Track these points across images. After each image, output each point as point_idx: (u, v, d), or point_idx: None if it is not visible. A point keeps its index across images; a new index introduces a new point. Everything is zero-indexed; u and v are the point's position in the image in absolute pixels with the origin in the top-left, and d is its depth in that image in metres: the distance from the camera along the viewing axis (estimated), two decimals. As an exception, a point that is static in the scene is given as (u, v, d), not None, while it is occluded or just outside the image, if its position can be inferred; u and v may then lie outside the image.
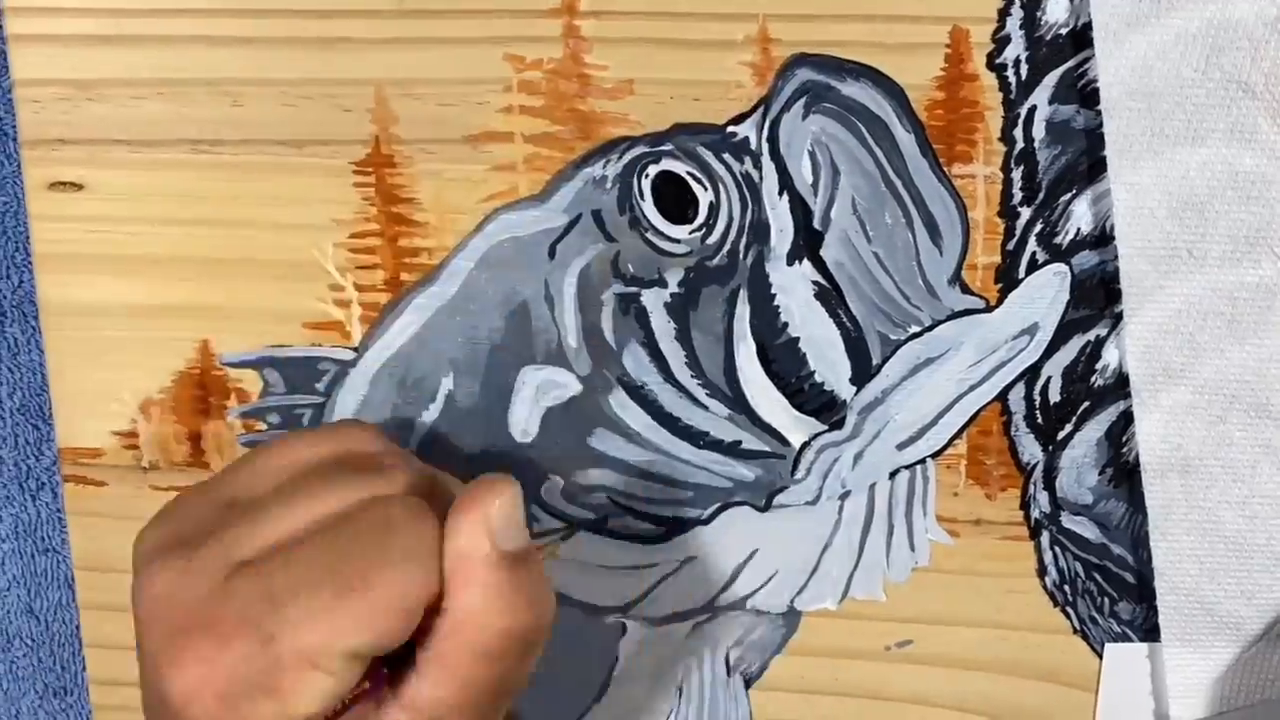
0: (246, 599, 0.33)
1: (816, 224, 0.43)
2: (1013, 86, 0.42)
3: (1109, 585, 0.46)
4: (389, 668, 0.35)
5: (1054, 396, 0.45)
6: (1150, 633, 0.46)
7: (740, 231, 0.43)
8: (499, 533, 0.34)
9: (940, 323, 0.44)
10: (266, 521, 0.35)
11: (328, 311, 0.44)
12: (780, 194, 0.43)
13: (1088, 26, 0.42)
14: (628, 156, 0.43)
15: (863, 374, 0.44)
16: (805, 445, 0.45)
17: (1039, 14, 0.42)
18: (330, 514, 0.35)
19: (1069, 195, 0.43)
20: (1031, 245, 0.44)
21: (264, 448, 0.38)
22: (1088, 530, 0.45)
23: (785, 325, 0.44)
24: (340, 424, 0.40)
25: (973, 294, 0.44)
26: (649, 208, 0.43)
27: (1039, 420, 0.45)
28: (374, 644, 0.33)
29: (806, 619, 0.46)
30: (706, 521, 0.45)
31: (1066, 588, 0.46)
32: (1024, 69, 0.42)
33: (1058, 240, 0.43)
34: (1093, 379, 0.44)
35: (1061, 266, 0.44)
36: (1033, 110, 0.43)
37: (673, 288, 0.44)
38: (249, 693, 0.33)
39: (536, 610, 0.35)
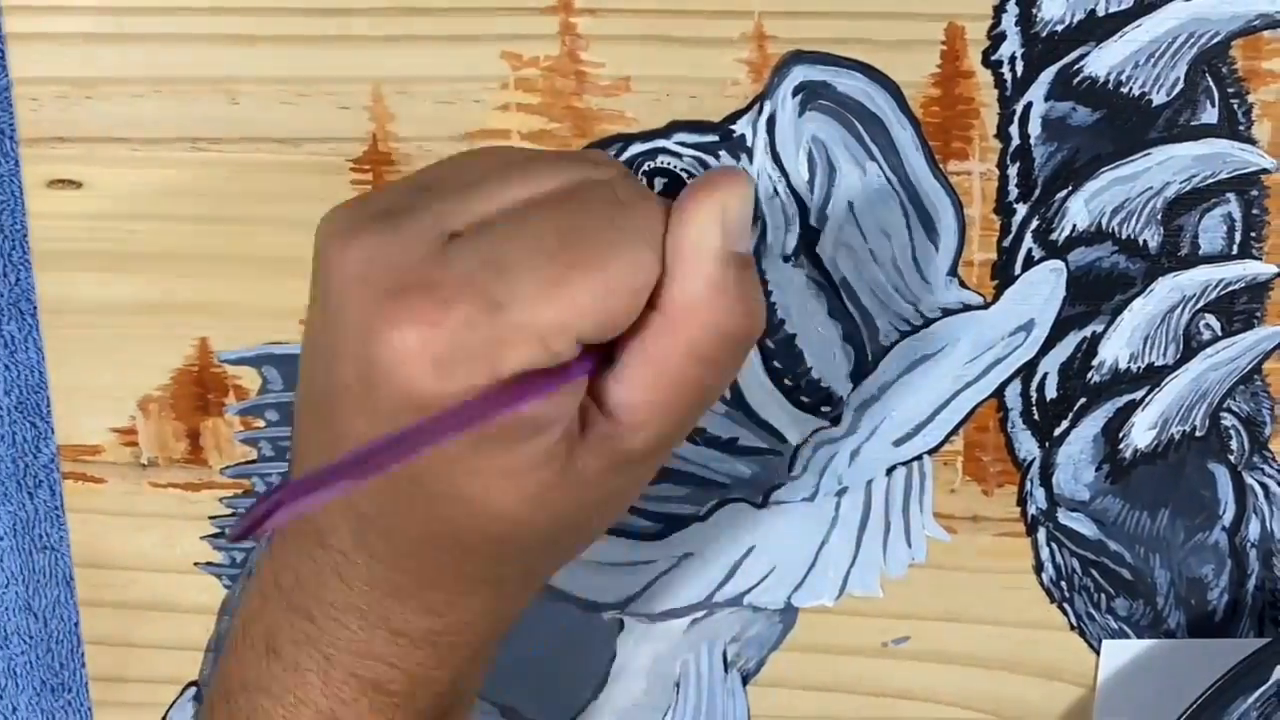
0: (470, 264, 0.30)
1: (813, 221, 0.43)
2: (1008, 83, 0.42)
3: (1106, 581, 0.46)
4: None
5: (1050, 393, 0.45)
6: (1147, 629, 0.46)
7: None
8: (731, 229, 0.32)
9: (937, 319, 0.44)
10: (481, 196, 0.32)
11: (325, 309, 0.44)
12: (776, 191, 0.43)
13: (1083, 23, 0.42)
14: (624, 154, 0.43)
15: (860, 371, 0.44)
16: (802, 442, 0.45)
17: (1034, 10, 0.42)
18: (552, 190, 0.32)
19: (1065, 192, 0.43)
20: (1027, 242, 0.44)
21: (485, 151, 0.34)
22: (1084, 526, 0.46)
23: (782, 322, 0.44)
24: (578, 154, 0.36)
25: (969, 290, 0.44)
26: (646, 205, 0.43)
27: (1036, 417, 0.45)
28: (604, 326, 0.31)
29: (804, 615, 0.46)
30: (704, 518, 0.45)
31: (1063, 584, 0.46)
32: (1019, 66, 0.42)
33: (1054, 237, 0.44)
34: (1089, 375, 0.45)
35: (1057, 263, 0.44)
36: (1028, 107, 0.43)
37: None
38: (467, 361, 0.30)
39: (756, 317, 0.32)
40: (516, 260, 0.30)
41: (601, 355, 0.32)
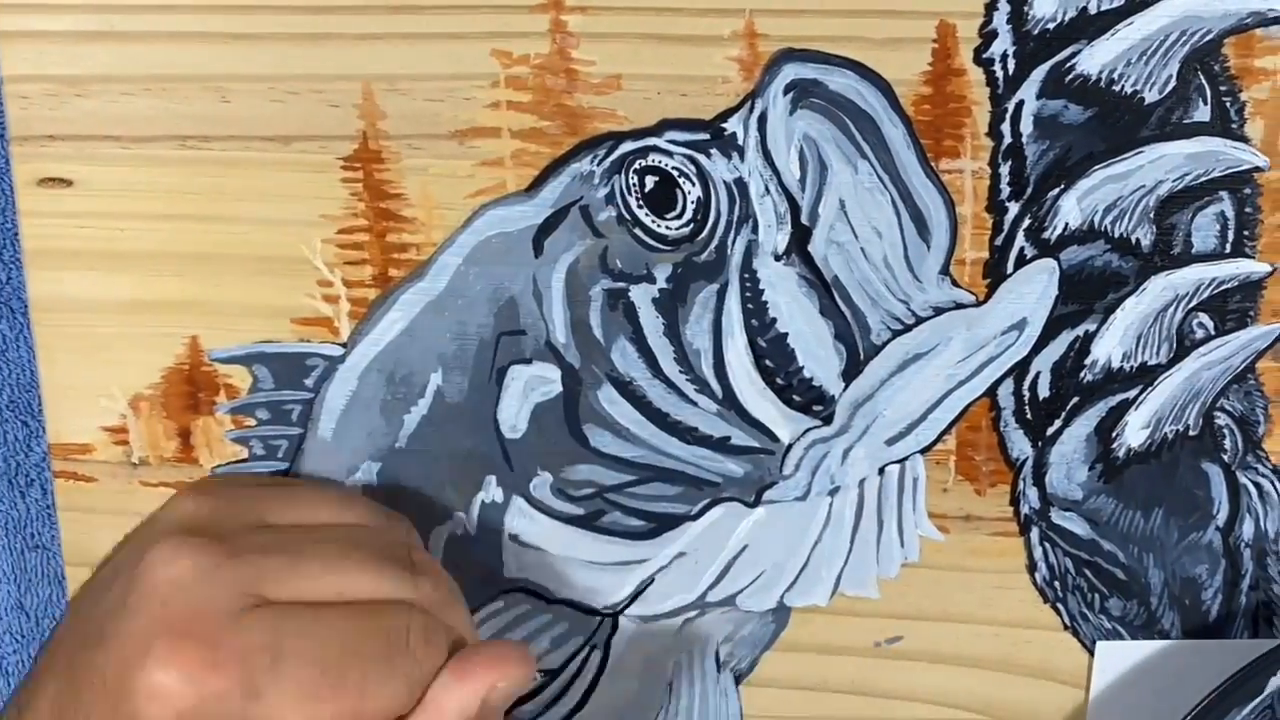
0: (253, 642, 0.34)
1: (804, 219, 0.43)
2: (1000, 81, 0.42)
3: (1099, 581, 0.46)
4: None
5: (1043, 392, 0.45)
6: (1141, 629, 0.46)
7: (728, 227, 0.43)
8: (492, 707, 0.36)
9: (929, 318, 0.44)
10: (302, 573, 0.35)
11: (316, 307, 0.44)
12: (768, 189, 0.43)
13: (1075, 20, 0.42)
14: (615, 152, 0.43)
15: (852, 369, 0.44)
16: (794, 441, 0.45)
17: (1026, 8, 0.42)
18: (360, 596, 0.35)
19: (1057, 190, 0.43)
20: (1019, 240, 0.44)
21: (318, 489, 0.39)
22: (1077, 526, 0.46)
23: (774, 321, 0.44)
24: (393, 512, 0.41)
25: (961, 289, 0.44)
26: (636, 203, 0.43)
27: (1028, 416, 0.45)
28: None
29: (796, 615, 0.46)
30: (696, 517, 0.45)
31: (1056, 584, 0.46)
32: (1011, 64, 0.42)
33: (1046, 235, 0.43)
34: (1082, 374, 0.44)
35: (1049, 262, 0.44)
36: (1020, 105, 0.43)
37: (661, 283, 0.44)
38: None
39: None
40: (295, 658, 0.34)
41: None
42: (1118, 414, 0.45)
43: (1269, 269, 0.44)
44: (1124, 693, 0.46)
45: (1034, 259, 0.43)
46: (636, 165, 0.43)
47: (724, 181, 0.43)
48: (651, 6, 0.42)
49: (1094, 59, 0.42)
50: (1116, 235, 0.43)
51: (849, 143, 0.43)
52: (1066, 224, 0.43)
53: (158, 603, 0.34)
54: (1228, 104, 0.43)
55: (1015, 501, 0.45)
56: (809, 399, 0.44)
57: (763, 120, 0.43)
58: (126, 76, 0.42)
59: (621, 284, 0.44)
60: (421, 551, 0.39)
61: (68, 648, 0.36)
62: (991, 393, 0.45)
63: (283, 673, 0.34)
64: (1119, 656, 0.46)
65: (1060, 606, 0.46)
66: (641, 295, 0.44)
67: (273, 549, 0.36)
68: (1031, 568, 0.46)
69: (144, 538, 0.36)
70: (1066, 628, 0.46)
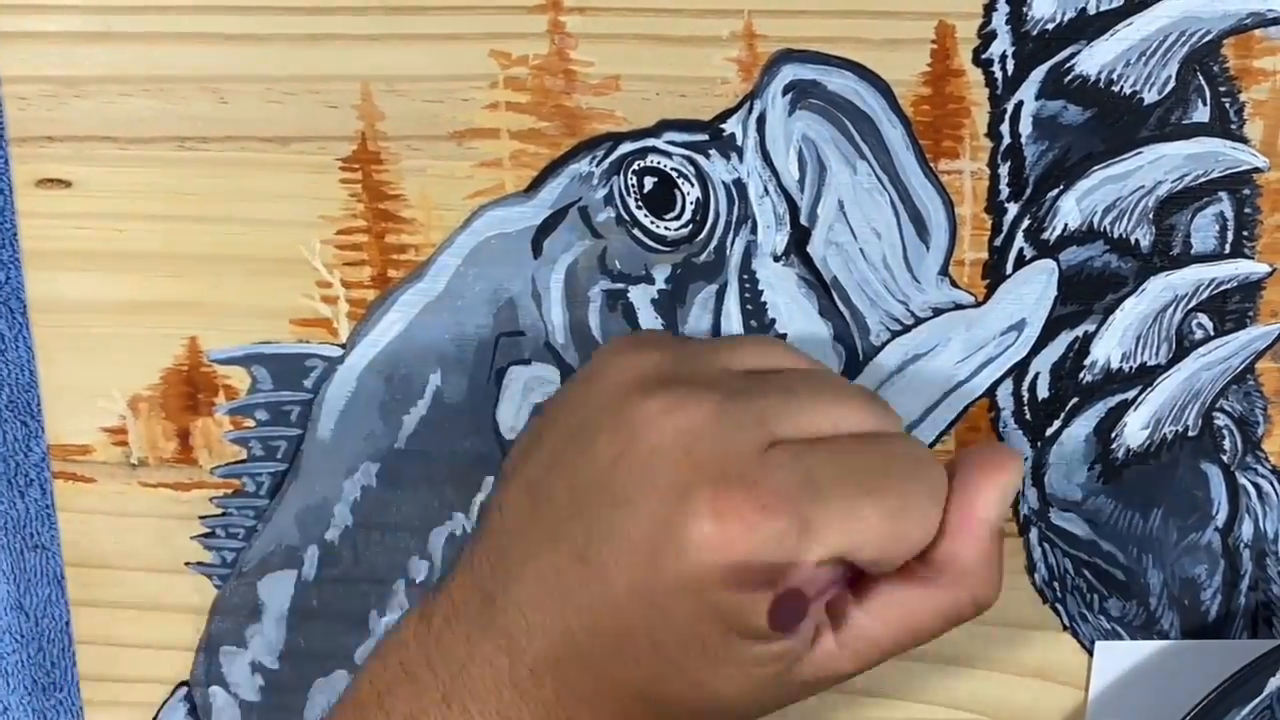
0: (789, 479, 0.33)
1: (803, 220, 0.43)
2: (999, 82, 0.42)
3: (1098, 582, 0.46)
4: None
5: (1042, 392, 0.45)
6: (1140, 629, 0.46)
7: (727, 227, 0.43)
8: (1006, 509, 0.35)
9: (928, 318, 0.44)
10: (805, 411, 0.34)
11: (315, 308, 0.44)
12: (767, 190, 0.43)
13: (1074, 21, 0.42)
14: (614, 153, 0.43)
15: (851, 369, 0.44)
16: None
17: (1025, 9, 0.42)
18: (860, 428, 0.34)
19: (1056, 191, 0.43)
20: (1019, 241, 0.44)
21: (755, 339, 0.38)
22: (1077, 527, 0.46)
23: (773, 321, 0.44)
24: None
25: (960, 290, 0.44)
26: (635, 204, 0.43)
27: (1027, 416, 0.45)
28: (879, 564, 0.34)
29: None
30: None
31: (1055, 584, 0.46)
32: (1010, 64, 0.42)
33: (1045, 236, 0.44)
34: (1081, 375, 0.45)
35: (1049, 262, 0.44)
36: (1019, 106, 0.43)
37: (660, 284, 0.44)
38: (760, 570, 0.32)
39: (999, 590, 0.36)
40: (834, 485, 0.33)
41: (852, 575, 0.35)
42: (1117, 415, 0.45)
43: (1268, 270, 0.44)
44: (1123, 693, 0.46)
45: (1033, 260, 0.43)
46: (635, 166, 0.43)
47: (723, 182, 0.43)
48: (650, 7, 0.42)
49: (1093, 60, 0.42)
50: (1116, 236, 0.43)
51: (848, 143, 0.43)
52: (1066, 225, 0.43)
53: (680, 452, 0.33)
54: (1227, 105, 0.43)
55: (1014, 502, 0.45)
56: (808, 400, 0.44)
57: (761, 121, 0.43)
58: (125, 77, 0.43)
59: (620, 285, 0.44)
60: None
61: (568, 511, 0.34)
62: (991, 393, 0.45)
63: (827, 502, 0.32)
64: (1118, 657, 0.46)
65: (1059, 607, 0.46)
66: (640, 296, 0.44)
67: (764, 389, 0.34)
68: (1031, 568, 0.46)
69: (603, 395, 0.34)
70: (1066, 628, 0.46)
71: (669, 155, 0.43)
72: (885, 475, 0.34)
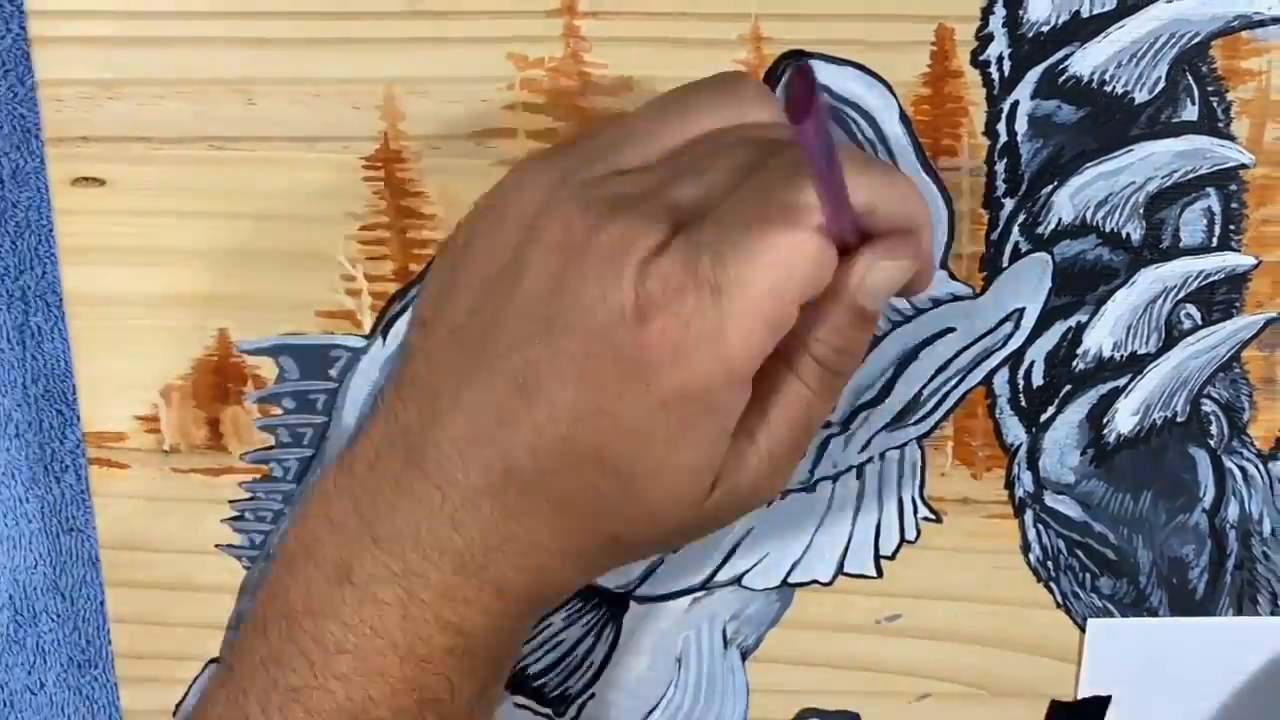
0: (689, 254, 0.33)
1: None
2: (996, 82, 0.43)
3: (1090, 561, 0.46)
4: None
5: (1037, 380, 0.45)
6: (1130, 607, 0.47)
7: None
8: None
9: (927, 310, 0.44)
10: (708, 190, 0.34)
11: (340, 301, 0.45)
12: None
13: (1068, 24, 0.43)
14: None
15: None
16: None
17: (1021, 12, 0.42)
18: (745, 166, 0.35)
19: (1051, 187, 0.44)
20: (1015, 235, 0.44)
21: (657, 108, 0.37)
22: (1070, 509, 0.46)
23: None
24: (730, 83, 0.38)
25: (958, 282, 0.44)
26: (647, 200, 0.44)
27: (1023, 403, 0.45)
28: (813, 288, 0.34)
29: (800, 594, 0.47)
30: None
31: (1049, 564, 0.47)
32: (1007, 65, 0.43)
33: (1040, 230, 0.44)
34: (1074, 363, 0.45)
35: (1044, 255, 0.44)
36: (1015, 105, 0.43)
37: None
38: (697, 345, 0.33)
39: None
40: (727, 242, 0.33)
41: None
42: (1108, 401, 0.45)
43: (1254, 262, 0.44)
44: (1114, 667, 0.47)
45: (1028, 253, 0.44)
46: (647, 164, 0.44)
47: (731, 179, 0.44)
48: (661, 12, 0.42)
49: (1086, 61, 0.43)
50: (1108, 230, 0.44)
51: (851, 142, 0.43)
52: (1060, 219, 0.44)
53: (608, 267, 0.33)
54: (1215, 104, 0.43)
55: (1010, 485, 0.46)
56: (812, 387, 0.45)
57: (768, 120, 0.43)
58: (157, 80, 0.43)
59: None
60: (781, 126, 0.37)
61: (480, 357, 0.35)
62: (988, 381, 0.45)
63: (726, 263, 0.33)
64: (1109, 633, 0.47)
65: (1053, 585, 0.47)
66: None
67: (669, 183, 0.35)
68: (1025, 548, 0.46)
69: (519, 228, 0.35)
70: (1059, 606, 0.47)
71: (679, 153, 0.44)
72: (771, 192, 0.34)
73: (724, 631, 0.47)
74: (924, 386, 0.45)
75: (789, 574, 0.47)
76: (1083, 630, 0.47)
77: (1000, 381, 0.45)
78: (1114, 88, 0.43)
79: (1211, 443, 0.46)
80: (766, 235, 0.33)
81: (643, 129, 0.37)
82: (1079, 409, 0.45)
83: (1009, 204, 0.44)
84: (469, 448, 0.35)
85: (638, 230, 0.34)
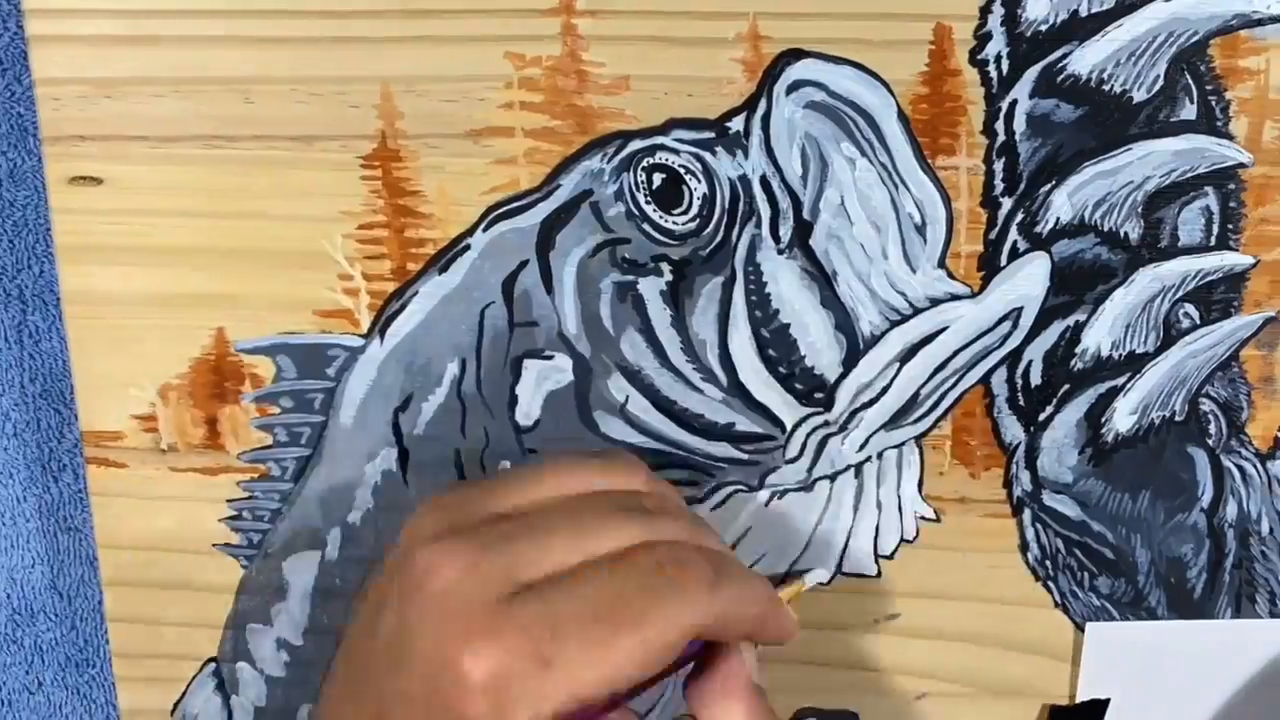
0: (530, 618, 0.35)
1: (806, 214, 0.44)
2: (994, 81, 0.43)
3: (1089, 561, 0.47)
4: None
5: (1035, 379, 0.45)
6: (1128, 606, 0.47)
7: (733, 222, 0.44)
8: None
9: (925, 309, 0.45)
10: (548, 549, 0.36)
11: (337, 300, 0.45)
12: (771, 186, 0.44)
13: (1066, 22, 0.43)
14: (624, 150, 0.44)
15: (852, 359, 0.45)
16: (797, 427, 0.46)
17: (1019, 11, 0.42)
18: (619, 547, 0.37)
19: (1049, 186, 0.44)
20: (1013, 234, 0.44)
21: (537, 469, 0.39)
22: (1068, 508, 0.46)
23: (777, 312, 0.45)
24: (610, 458, 0.41)
25: (956, 281, 0.44)
26: (645, 199, 0.44)
27: (1021, 402, 0.46)
28: (635, 679, 0.35)
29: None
30: (702, 501, 0.46)
31: (1048, 563, 0.47)
32: (1005, 64, 0.43)
33: (1038, 229, 0.44)
34: (1072, 363, 0.45)
35: (1042, 255, 0.44)
36: (1013, 104, 0.43)
37: (668, 276, 0.44)
38: (514, 701, 0.34)
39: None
40: (569, 622, 0.35)
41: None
42: (1107, 400, 0.45)
43: (1252, 261, 0.44)
44: (1112, 667, 0.47)
45: (1026, 252, 0.44)
46: (645, 163, 0.44)
47: (729, 178, 0.44)
48: (659, 10, 0.42)
49: (1084, 60, 0.43)
50: (1106, 229, 0.44)
51: (849, 141, 0.43)
52: (1058, 218, 0.44)
53: (437, 615, 0.36)
54: (1213, 102, 0.43)
55: (1008, 484, 0.46)
56: (811, 387, 0.45)
57: (766, 119, 0.43)
58: (154, 79, 0.43)
59: (630, 277, 0.45)
60: (654, 496, 0.39)
61: (367, 677, 0.38)
62: (986, 380, 0.45)
63: (565, 635, 0.35)
64: (1107, 633, 0.47)
65: (1051, 585, 0.47)
66: (650, 288, 0.45)
67: (515, 535, 0.37)
68: (1024, 548, 0.46)
69: (398, 565, 0.38)
70: (1057, 605, 0.47)
71: (677, 152, 0.44)
72: (621, 595, 0.36)
73: (722, 631, 0.48)
74: (922, 386, 0.45)
75: (787, 573, 0.47)
76: (1081, 629, 0.47)
77: (998, 381, 0.45)
78: (1112, 87, 0.43)
79: (1210, 442, 0.46)
80: (617, 636, 0.35)
81: (528, 479, 0.39)
82: (1077, 408, 0.45)
83: (1007, 203, 0.44)
84: None
85: (483, 584, 0.36)
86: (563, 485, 0.39)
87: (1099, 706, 0.47)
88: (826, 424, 0.46)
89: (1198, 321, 0.45)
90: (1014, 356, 0.45)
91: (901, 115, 0.43)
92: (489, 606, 0.35)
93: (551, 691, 0.35)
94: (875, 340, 0.45)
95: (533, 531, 0.37)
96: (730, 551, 0.39)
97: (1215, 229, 0.44)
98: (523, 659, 0.35)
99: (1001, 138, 0.43)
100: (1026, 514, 0.46)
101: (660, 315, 0.45)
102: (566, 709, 0.35)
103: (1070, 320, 0.45)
